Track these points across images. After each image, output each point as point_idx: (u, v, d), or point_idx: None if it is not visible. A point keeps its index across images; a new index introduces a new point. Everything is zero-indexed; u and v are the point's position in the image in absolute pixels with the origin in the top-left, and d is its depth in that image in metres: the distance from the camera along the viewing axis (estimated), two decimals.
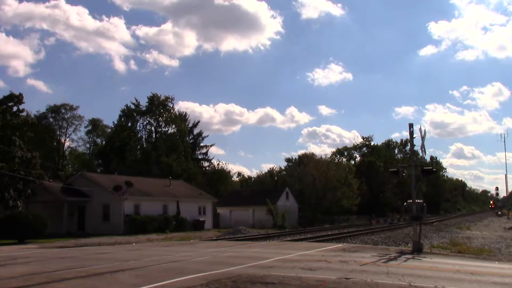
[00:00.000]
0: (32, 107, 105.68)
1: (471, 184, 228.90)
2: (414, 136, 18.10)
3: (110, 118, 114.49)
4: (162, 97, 66.21)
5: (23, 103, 34.50)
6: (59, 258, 15.79)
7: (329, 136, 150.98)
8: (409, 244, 21.37)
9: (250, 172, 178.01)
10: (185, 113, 71.32)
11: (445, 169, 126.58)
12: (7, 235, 25.17)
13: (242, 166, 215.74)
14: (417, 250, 16.72)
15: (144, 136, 67.06)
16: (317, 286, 9.11)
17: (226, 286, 9.16)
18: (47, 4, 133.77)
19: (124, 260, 14.27)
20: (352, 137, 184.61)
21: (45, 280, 10.02)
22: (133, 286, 9.37)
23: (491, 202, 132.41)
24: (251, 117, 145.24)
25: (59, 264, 13.67)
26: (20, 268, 12.78)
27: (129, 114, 64.50)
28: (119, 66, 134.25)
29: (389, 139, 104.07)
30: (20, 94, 34.11)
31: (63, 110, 65.63)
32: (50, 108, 64.98)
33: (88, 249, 20.76)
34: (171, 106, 67.24)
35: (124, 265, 12.81)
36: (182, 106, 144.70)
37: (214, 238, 29.31)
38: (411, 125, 18.20)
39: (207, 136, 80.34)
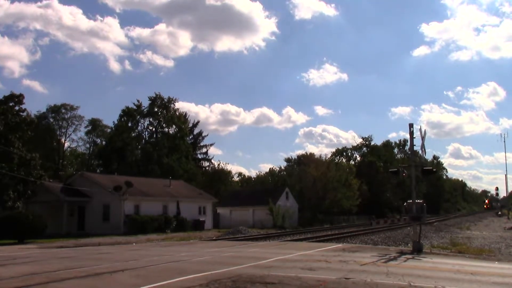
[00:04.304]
0: (29, 107, 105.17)
1: (470, 184, 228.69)
2: (414, 136, 18.08)
3: (106, 118, 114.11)
4: (165, 98, 66.38)
5: (24, 103, 34.59)
6: (59, 258, 15.78)
7: (325, 136, 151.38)
8: (409, 244, 21.35)
9: (249, 172, 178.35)
10: (185, 113, 71.53)
11: (446, 169, 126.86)
12: (7, 235, 25.17)
13: (241, 166, 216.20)
14: (417, 250, 16.71)
15: (145, 136, 67.13)
16: (317, 286, 9.11)
17: (226, 286, 9.16)
18: (39, 4, 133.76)
19: (124, 260, 14.27)
20: (349, 137, 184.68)
21: (45, 280, 10.02)
22: (133, 286, 9.37)
23: (486, 201, 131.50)
24: (247, 117, 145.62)
25: (59, 264, 13.67)
26: (20, 268, 12.77)
27: (130, 114, 64.50)
28: (114, 66, 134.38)
29: (387, 140, 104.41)
30: (21, 95, 34.20)
31: (63, 110, 65.72)
32: (50, 108, 65.10)
33: (88, 249, 20.76)
34: (173, 106, 67.43)
35: (124, 265, 12.81)
36: (178, 106, 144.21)
37: (214, 238, 29.31)
38: (411, 125, 18.17)
39: (207, 135, 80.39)
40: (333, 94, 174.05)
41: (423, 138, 18.05)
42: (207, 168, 72.67)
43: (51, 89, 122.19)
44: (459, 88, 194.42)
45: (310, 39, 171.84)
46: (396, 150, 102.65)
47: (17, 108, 34.11)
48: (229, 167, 78.89)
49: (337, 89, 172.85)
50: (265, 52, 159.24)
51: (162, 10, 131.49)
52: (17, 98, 33.91)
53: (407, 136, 18.43)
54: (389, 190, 78.99)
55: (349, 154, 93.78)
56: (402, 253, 16.51)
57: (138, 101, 65.59)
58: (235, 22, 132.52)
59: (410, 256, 15.26)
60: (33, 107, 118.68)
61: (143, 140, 66.47)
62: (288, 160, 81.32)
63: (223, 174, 69.69)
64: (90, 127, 69.49)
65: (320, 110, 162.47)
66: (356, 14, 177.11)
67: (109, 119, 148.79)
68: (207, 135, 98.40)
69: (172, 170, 56.70)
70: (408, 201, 17.65)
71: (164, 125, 66.05)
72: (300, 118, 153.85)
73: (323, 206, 58.27)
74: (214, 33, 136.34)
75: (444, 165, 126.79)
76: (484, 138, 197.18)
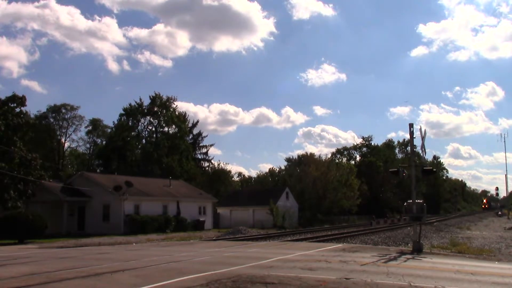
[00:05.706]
0: (28, 107, 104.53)
1: (470, 184, 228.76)
2: (414, 136, 18.07)
3: (105, 118, 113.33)
4: (164, 97, 66.44)
5: (26, 105, 34.54)
6: (59, 258, 15.79)
7: (324, 136, 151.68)
8: (409, 244, 21.36)
9: (248, 172, 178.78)
10: (185, 113, 71.54)
11: (446, 169, 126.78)
12: (7, 235, 25.18)
13: (240, 166, 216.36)
14: (417, 250, 16.71)
15: (145, 136, 67.15)
16: (317, 286, 9.11)
17: (226, 286, 9.16)
18: (36, 4, 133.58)
19: (124, 260, 14.27)
20: (349, 137, 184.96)
21: (45, 280, 10.02)
22: (133, 286, 9.37)
23: (484, 200, 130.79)
24: (246, 117, 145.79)
25: (59, 264, 13.68)
26: (20, 268, 12.78)
27: (130, 114, 64.51)
28: (112, 66, 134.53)
29: (389, 139, 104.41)
30: (23, 96, 34.09)
31: (63, 110, 65.72)
32: (50, 108, 65.09)
33: (88, 249, 20.76)
34: (173, 105, 67.47)
35: (124, 265, 12.81)
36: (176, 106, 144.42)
37: (214, 238, 29.30)
38: (411, 125, 18.17)
39: (206, 136, 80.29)
40: (331, 94, 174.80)
41: (423, 138, 18.06)
42: (207, 168, 72.69)
43: (50, 89, 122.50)
44: (457, 88, 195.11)
45: (308, 39, 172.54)
46: (397, 150, 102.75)
47: (18, 110, 34.05)
48: (228, 167, 78.92)
49: (336, 89, 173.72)
50: (263, 52, 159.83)
51: (160, 10, 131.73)
52: (20, 100, 33.84)
53: (407, 136, 18.49)
54: (389, 190, 79.02)
55: (350, 154, 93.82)
56: (402, 253, 16.50)
57: (140, 99, 65.70)
58: (233, 22, 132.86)
59: (410, 256, 15.26)
60: (32, 107, 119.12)
61: (143, 140, 66.52)
62: (288, 160, 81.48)
63: (223, 174, 69.72)
64: (90, 127, 69.57)
65: (319, 110, 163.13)
66: (354, 14, 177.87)
67: (108, 119, 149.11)
68: (207, 135, 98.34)
69: (172, 170, 56.71)
70: (408, 201, 17.63)
71: (163, 124, 66.10)
72: (299, 118, 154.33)
73: (323, 206, 58.27)
74: (212, 33, 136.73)
75: (444, 165, 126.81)
76: (483, 138, 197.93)
